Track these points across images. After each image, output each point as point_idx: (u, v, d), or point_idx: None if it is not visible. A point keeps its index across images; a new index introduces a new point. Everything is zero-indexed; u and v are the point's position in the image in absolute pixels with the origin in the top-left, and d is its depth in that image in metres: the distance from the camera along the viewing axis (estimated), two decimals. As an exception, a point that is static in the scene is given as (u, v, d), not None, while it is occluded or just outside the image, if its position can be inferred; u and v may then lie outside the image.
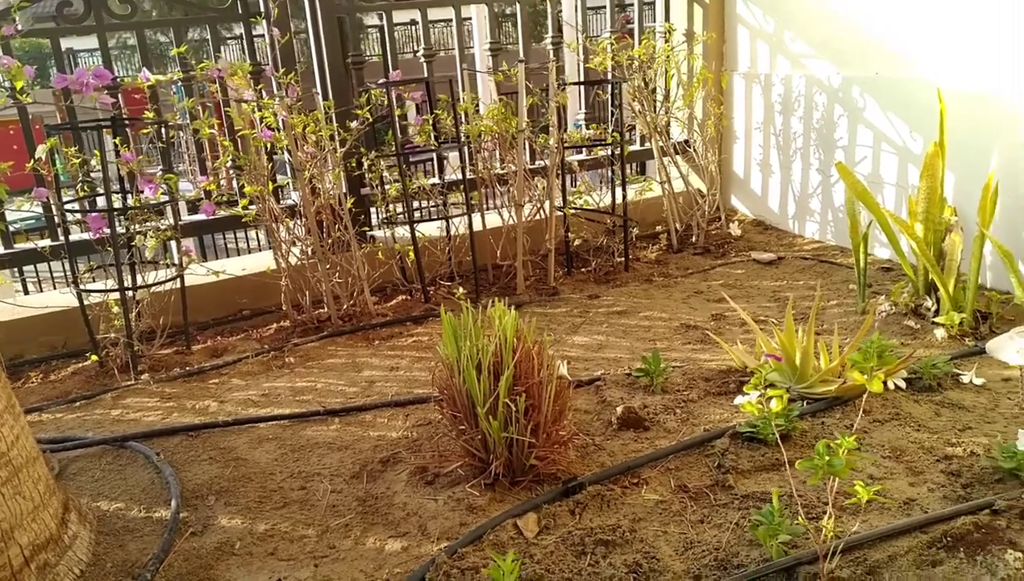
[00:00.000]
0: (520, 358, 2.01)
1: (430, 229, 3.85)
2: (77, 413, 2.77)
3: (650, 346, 2.96)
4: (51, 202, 3.21)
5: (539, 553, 1.81)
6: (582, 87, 4.51)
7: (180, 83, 3.52)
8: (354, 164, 3.65)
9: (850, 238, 3.16)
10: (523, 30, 4.19)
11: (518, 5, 4.19)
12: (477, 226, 3.81)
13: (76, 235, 3.31)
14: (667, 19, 4.56)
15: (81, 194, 3.29)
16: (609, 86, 4.01)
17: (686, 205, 4.38)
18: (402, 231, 3.69)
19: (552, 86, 3.73)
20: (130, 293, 3.07)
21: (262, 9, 3.51)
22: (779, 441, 1.99)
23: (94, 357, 3.12)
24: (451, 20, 4.06)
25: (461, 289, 3.45)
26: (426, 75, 3.81)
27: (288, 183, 3.69)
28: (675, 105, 4.33)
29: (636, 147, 4.62)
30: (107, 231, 2.99)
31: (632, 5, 4.60)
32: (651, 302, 3.49)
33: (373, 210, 3.90)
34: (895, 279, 3.39)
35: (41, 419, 2.75)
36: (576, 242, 4.03)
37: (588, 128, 4.16)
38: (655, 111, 4.24)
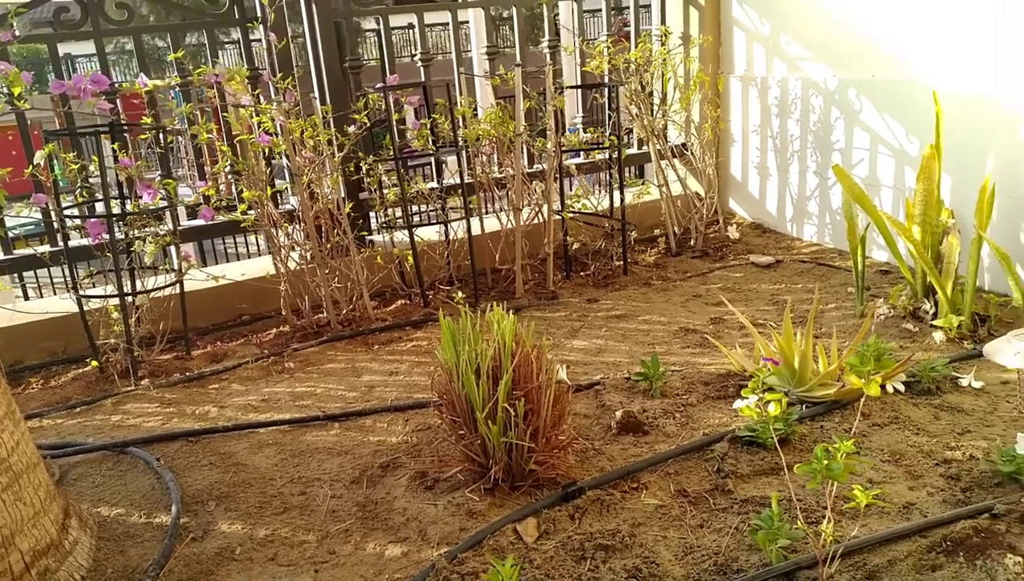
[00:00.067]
0: (519, 362, 2.01)
1: (429, 233, 3.85)
2: (77, 419, 2.77)
3: (649, 350, 2.97)
4: (50, 208, 3.21)
5: (539, 558, 1.82)
6: (579, 90, 4.52)
7: (178, 88, 3.53)
8: (352, 169, 3.65)
9: (848, 241, 3.17)
10: (520, 34, 4.20)
11: (515, 9, 4.20)
12: (476, 230, 3.81)
13: (75, 241, 3.31)
14: (663, 22, 4.57)
15: (80, 200, 3.29)
16: (606, 89, 4.02)
17: (684, 208, 4.39)
18: (401, 235, 3.69)
19: (549, 90, 3.74)
20: (130, 298, 3.07)
21: (259, 14, 3.51)
22: (778, 445, 2.00)
23: (94, 363, 3.12)
24: (448, 24, 4.07)
25: (460, 293, 3.46)
26: (423, 79, 3.82)
27: (287, 188, 3.70)
28: (672, 108, 4.34)
29: (634, 150, 4.63)
30: (106, 237, 2.99)
31: (628, 8, 4.61)
32: (650, 306, 3.50)
33: (372, 214, 3.90)
34: (893, 282, 3.40)
35: (41, 425, 2.75)
36: (574, 246, 4.04)
37: (586, 131, 4.16)
38: (652, 114, 4.25)
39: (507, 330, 2.03)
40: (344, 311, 3.48)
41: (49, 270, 3.60)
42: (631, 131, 4.59)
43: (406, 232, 3.55)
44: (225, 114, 3.44)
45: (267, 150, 3.35)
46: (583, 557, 1.81)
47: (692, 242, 4.28)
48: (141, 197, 3.08)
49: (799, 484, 2.00)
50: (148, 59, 3.71)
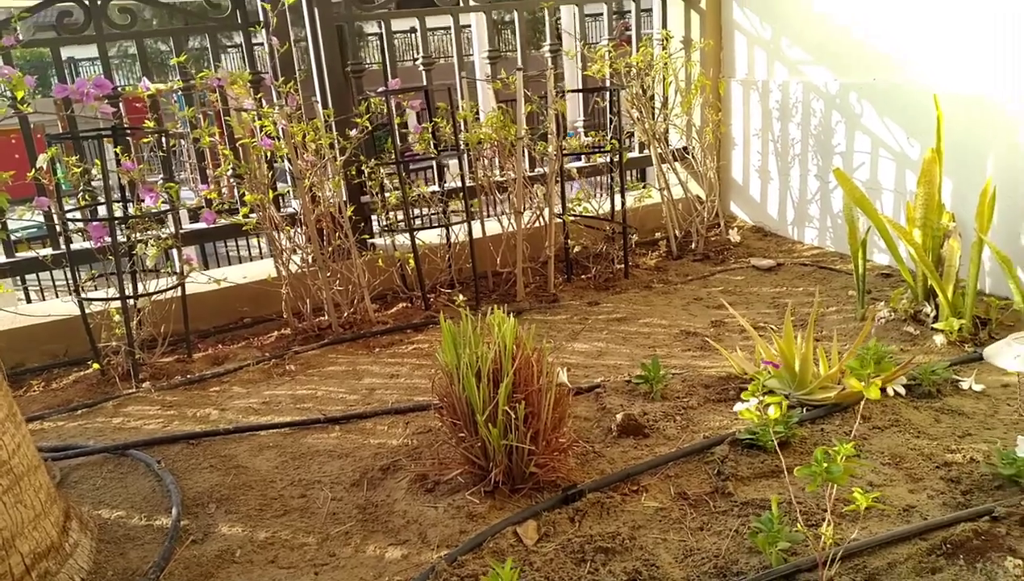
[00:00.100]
0: (519, 365, 2.02)
1: (430, 236, 3.86)
2: (78, 421, 2.78)
3: (650, 353, 2.97)
4: (52, 211, 3.22)
5: (539, 561, 1.82)
6: (581, 94, 4.52)
7: (180, 92, 3.54)
8: (354, 172, 3.66)
9: (849, 244, 3.17)
10: (522, 38, 4.21)
11: (516, 13, 4.21)
12: (477, 233, 3.82)
13: (77, 244, 3.32)
14: (664, 26, 4.58)
15: (82, 203, 3.30)
16: (607, 93, 4.03)
17: (685, 212, 4.39)
18: (402, 239, 3.70)
19: (551, 94, 3.75)
20: (131, 301, 3.08)
21: (261, 18, 3.52)
22: (778, 448, 2.00)
23: (95, 365, 3.13)
24: (450, 28, 4.08)
25: (461, 296, 3.45)
26: (425, 83, 3.83)
27: (288, 191, 3.71)
28: (673, 112, 4.35)
29: (635, 154, 4.63)
30: (108, 240, 3.00)
31: (630, 12, 4.62)
32: (651, 309, 3.50)
33: (373, 218, 3.91)
34: (894, 285, 3.40)
35: (43, 427, 2.75)
36: (576, 249, 4.04)
37: (587, 135, 4.17)
38: (653, 118, 4.26)
39: (508, 333, 2.03)
40: (345, 314, 3.48)
41: (51, 273, 3.61)
42: (632, 135, 4.59)
43: (407, 235, 3.56)
44: (227, 118, 3.45)
45: (269, 154, 3.36)
46: (583, 560, 1.81)
47: (693, 245, 4.28)
48: (143, 200, 3.08)
49: (799, 487, 2.00)
50: (151, 63, 3.72)
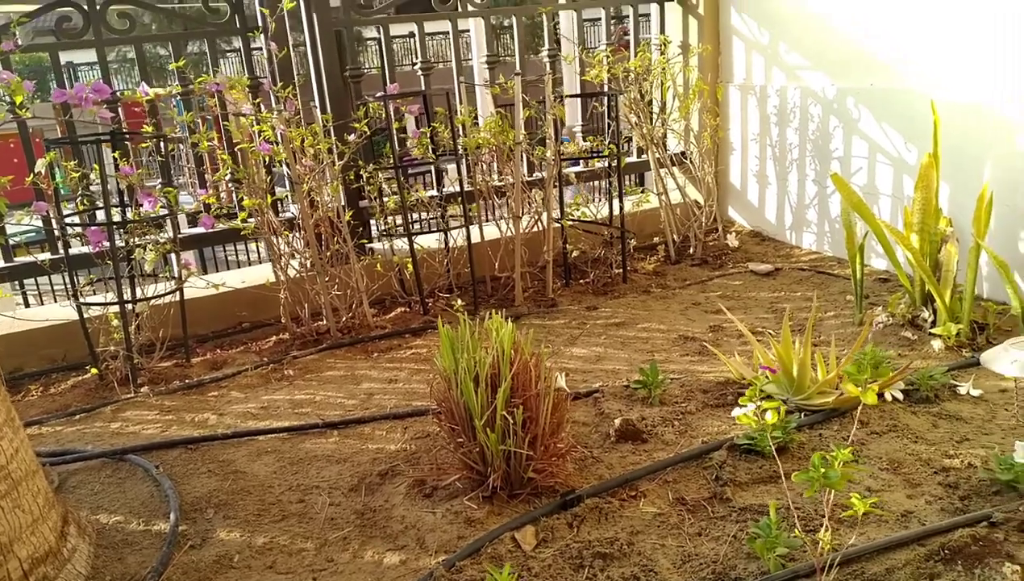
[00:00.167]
0: (517, 370, 2.02)
1: (429, 241, 3.86)
2: (77, 426, 2.77)
3: (648, 358, 2.97)
4: (51, 215, 3.22)
5: (537, 566, 1.82)
6: (579, 99, 4.53)
7: (179, 97, 3.54)
8: (352, 177, 3.66)
9: (847, 249, 3.17)
10: (520, 43, 4.22)
11: (515, 18, 4.22)
12: (475, 238, 3.82)
13: (76, 248, 3.32)
14: (662, 31, 4.59)
15: (81, 207, 3.30)
16: (606, 98, 4.03)
17: (683, 216, 4.40)
18: (401, 243, 3.70)
19: (549, 98, 3.75)
20: (130, 306, 3.08)
21: (260, 23, 3.53)
22: (775, 454, 2.00)
23: (94, 370, 3.12)
24: (448, 33, 4.09)
25: (459, 301, 3.46)
26: (424, 88, 3.84)
27: (287, 196, 3.71)
28: (671, 117, 4.36)
29: (633, 159, 4.64)
30: (107, 244, 3.00)
31: (628, 17, 4.63)
32: (649, 313, 3.50)
33: (372, 222, 3.91)
34: (892, 290, 3.41)
35: (41, 432, 2.75)
36: (574, 254, 4.04)
37: (586, 140, 4.18)
38: (651, 123, 4.26)
39: (506, 338, 2.03)
40: (344, 319, 3.48)
41: (50, 277, 3.61)
42: (630, 139, 4.60)
43: (406, 240, 3.56)
44: (226, 123, 3.46)
45: (267, 158, 3.36)
46: (581, 565, 1.81)
47: (691, 250, 4.28)
48: (142, 205, 3.09)
49: (797, 492, 2.01)
50: (150, 67, 3.73)
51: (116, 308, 3.05)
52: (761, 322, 3.27)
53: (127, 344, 3.06)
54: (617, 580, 1.75)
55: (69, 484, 2.37)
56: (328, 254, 3.43)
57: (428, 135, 3.64)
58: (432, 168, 3.95)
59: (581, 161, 4.30)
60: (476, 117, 4.05)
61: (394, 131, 3.58)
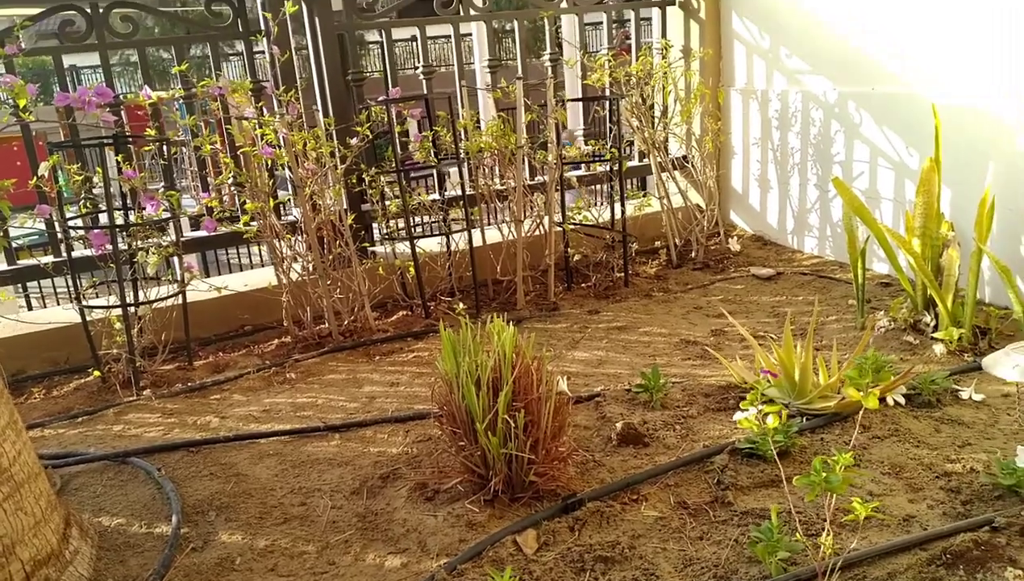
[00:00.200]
0: (519, 374, 2.02)
1: (430, 245, 3.86)
2: (79, 429, 2.78)
3: (650, 362, 2.97)
4: (54, 218, 3.23)
5: (538, 570, 1.82)
6: (581, 103, 4.54)
7: (182, 100, 3.55)
8: (355, 180, 3.67)
9: (848, 253, 3.18)
10: (522, 47, 4.23)
11: (516, 22, 4.22)
12: (477, 242, 3.83)
13: (79, 251, 3.33)
14: (664, 35, 4.60)
15: (83, 211, 3.31)
16: (607, 102, 4.04)
17: (685, 220, 4.40)
18: (403, 247, 3.71)
19: (550, 102, 3.76)
20: (132, 309, 3.08)
21: (263, 27, 3.54)
22: (777, 458, 2.00)
23: (96, 373, 3.13)
24: (450, 36, 4.09)
25: (461, 304, 3.46)
26: (426, 92, 3.85)
27: (289, 199, 3.72)
28: (673, 121, 4.36)
29: (635, 163, 4.65)
30: (109, 247, 3.00)
31: (630, 21, 4.64)
32: (651, 317, 3.50)
33: (374, 226, 3.92)
34: (894, 294, 3.41)
35: (43, 434, 2.75)
36: (576, 257, 4.05)
37: (587, 144, 4.18)
38: (653, 127, 4.27)
39: (507, 341, 2.04)
40: (345, 322, 3.49)
41: (52, 280, 3.62)
42: (632, 143, 4.61)
43: (408, 243, 3.57)
44: (228, 126, 3.47)
45: (270, 162, 3.37)
46: (583, 569, 1.81)
47: (693, 254, 4.29)
48: (144, 208, 3.09)
49: (799, 496, 2.00)
50: (152, 71, 3.74)
51: (119, 311, 3.05)
52: (763, 326, 3.27)
53: (129, 347, 3.06)
54: (618, 584, 1.75)
55: (71, 486, 2.37)
56: (330, 257, 3.44)
57: (430, 139, 3.65)
58: (434, 172, 3.96)
59: (583, 165, 4.30)
60: (478, 121, 4.05)
61: (396, 135, 3.59)
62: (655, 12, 4.64)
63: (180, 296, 3.22)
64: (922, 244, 2.95)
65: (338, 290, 3.49)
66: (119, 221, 3.08)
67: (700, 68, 4.52)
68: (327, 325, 3.46)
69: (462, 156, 3.71)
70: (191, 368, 3.24)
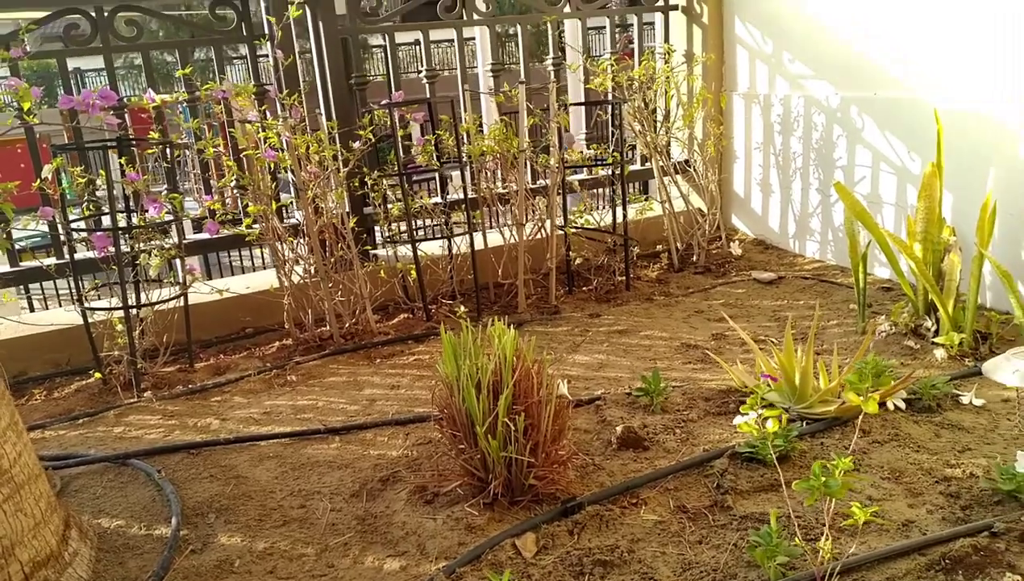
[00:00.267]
0: (519, 377, 2.02)
1: (432, 248, 3.87)
2: (80, 430, 2.78)
3: (650, 365, 2.97)
4: (57, 221, 3.24)
5: (537, 573, 1.82)
6: (583, 107, 4.54)
7: (185, 104, 3.56)
8: (357, 184, 3.68)
9: (850, 258, 3.17)
10: (524, 51, 4.24)
11: (519, 26, 4.23)
12: (479, 245, 3.83)
13: (81, 253, 3.34)
14: (667, 40, 4.61)
15: (87, 213, 3.32)
16: (610, 107, 4.05)
17: (687, 224, 4.40)
18: (404, 250, 3.71)
19: (553, 107, 3.77)
20: (134, 311, 3.09)
21: (266, 31, 3.55)
22: (776, 462, 2.00)
23: (97, 374, 3.14)
24: (454, 41, 4.10)
25: (462, 307, 3.47)
26: (428, 96, 3.85)
27: (291, 202, 3.72)
28: (675, 125, 4.37)
29: (637, 167, 4.65)
30: (112, 249, 3.01)
31: (632, 26, 4.65)
32: (652, 321, 3.50)
33: (376, 229, 3.93)
34: (895, 299, 3.40)
35: (44, 436, 2.76)
36: (577, 261, 4.05)
37: (589, 148, 4.19)
38: (655, 131, 4.27)
39: (508, 345, 2.04)
40: (347, 325, 3.49)
41: (55, 282, 3.63)
42: (634, 148, 4.61)
43: (409, 246, 3.57)
44: (232, 129, 3.48)
45: (272, 165, 3.38)
46: (582, 572, 1.81)
47: (695, 258, 4.29)
48: (147, 211, 3.10)
49: (798, 501, 2.00)
50: (156, 73, 3.75)
51: (120, 313, 3.06)
52: (764, 330, 3.27)
53: (131, 349, 3.07)
54: (617, 588, 1.75)
55: (71, 488, 2.38)
56: (332, 260, 3.44)
57: (433, 142, 3.66)
58: (436, 175, 3.97)
59: (585, 169, 4.31)
60: (480, 125, 4.06)
61: (399, 138, 3.59)
62: (658, 17, 4.65)
63: (182, 298, 3.23)
64: (923, 249, 2.95)
65: (339, 293, 3.49)
66: (122, 223, 3.09)
67: (703, 73, 4.52)
68: (328, 328, 3.47)
69: (464, 160, 3.72)
70: (192, 370, 3.25)
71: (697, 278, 4.09)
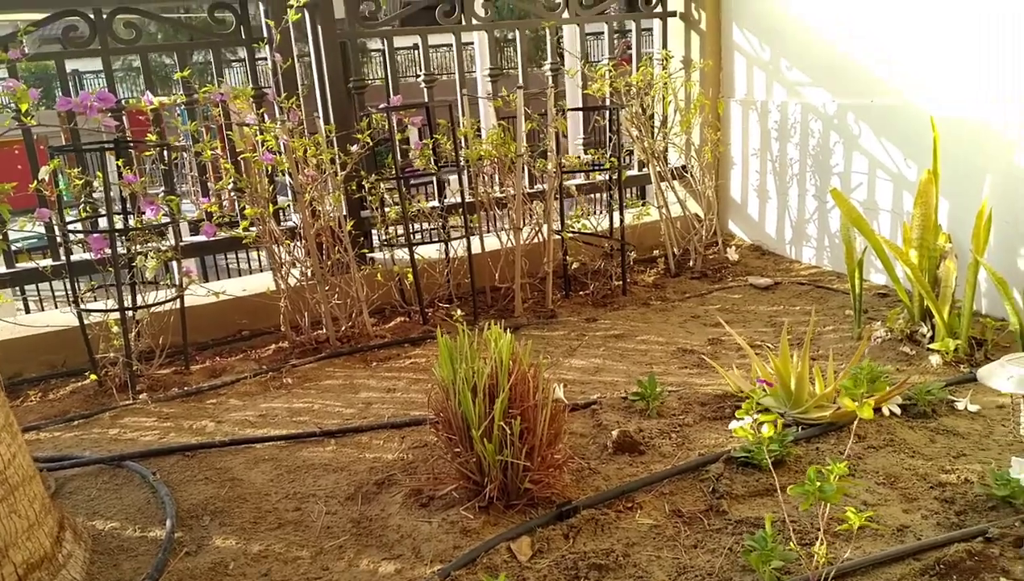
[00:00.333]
0: (515, 381, 2.02)
1: (429, 251, 3.87)
2: (75, 432, 2.78)
3: (647, 370, 2.97)
4: (53, 222, 3.24)
5: (532, 577, 1.82)
6: (581, 112, 4.55)
7: (183, 106, 3.57)
8: (354, 187, 3.68)
9: (846, 264, 3.18)
10: (523, 56, 4.25)
11: (518, 31, 4.25)
12: (476, 249, 3.83)
13: (78, 255, 3.33)
14: (665, 46, 4.62)
15: (83, 215, 3.32)
16: (607, 112, 4.06)
17: (684, 230, 4.41)
18: (401, 253, 3.71)
19: (551, 112, 3.78)
20: (130, 313, 3.09)
21: (265, 34, 3.56)
22: (772, 467, 2.00)
23: (93, 376, 3.13)
24: (452, 45, 4.11)
25: (459, 311, 3.46)
26: (426, 100, 3.86)
27: (289, 205, 3.73)
28: (672, 131, 4.38)
29: (634, 172, 4.66)
30: (108, 251, 3.01)
31: (631, 32, 4.66)
32: (648, 326, 3.51)
33: (373, 232, 3.93)
34: (891, 305, 3.41)
35: (39, 437, 2.75)
36: (574, 265, 4.05)
37: (587, 153, 4.20)
38: (653, 137, 4.29)
39: (504, 348, 2.04)
40: (343, 328, 3.49)
41: (51, 284, 3.62)
42: (632, 153, 4.62)
43: (407, 250, 3.58)
44: (229, 132, 3.48)
45: (270, 168, 3.38)
46: (576, 576, 1.81)
47: (691, 263, 4.29)
48: (144, 213, 3.10)
49: (793, 505, 2.00)
50: (154, 76, 3.75)
51: (116, 315, 3.06)
52: (760, 336, 3.27)
53: (127, 351, 3.07)
54: (612, 592, 1.75)
55: (66, 490, 2.37)
56: (329, 263, 3.44)
57: (430, 146, 3.66)
58: (434, 179, 3.97)
59: (582, 174, 4.32)
60: (478, 129, 4.07)
61: (397, 142, 3.60)
62: (656, 23, 4.66)
63: (178, 300, 3.23)
64: (919, 255, 2.96)
65: (336, 296, 3.49)
66: (119, 225, 3.09)
67: (700, 79, 4.54)
68: (325, 331, 3.47)
69: (462, 164, 3.72)
70: (188, 372, 3.25)
71: (694, 283, 4.10)
